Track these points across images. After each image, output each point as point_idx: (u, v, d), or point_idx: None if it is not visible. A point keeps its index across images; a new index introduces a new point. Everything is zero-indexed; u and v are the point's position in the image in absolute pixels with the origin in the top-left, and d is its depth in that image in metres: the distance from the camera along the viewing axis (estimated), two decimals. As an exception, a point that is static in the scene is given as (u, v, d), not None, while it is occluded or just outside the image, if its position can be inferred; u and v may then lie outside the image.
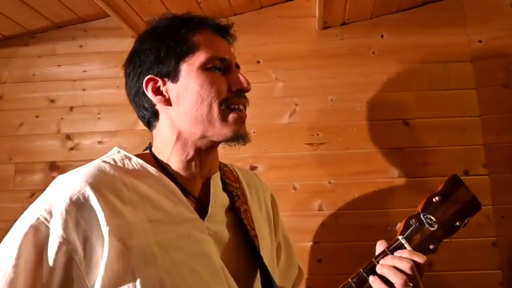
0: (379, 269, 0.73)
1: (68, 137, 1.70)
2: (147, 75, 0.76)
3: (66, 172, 0.70)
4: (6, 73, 1.80)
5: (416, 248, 0.75)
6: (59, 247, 0.60)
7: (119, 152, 0.77)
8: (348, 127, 1.56)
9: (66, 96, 1.74)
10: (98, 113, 1.69)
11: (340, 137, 1.55)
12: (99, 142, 1.67)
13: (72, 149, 1.68)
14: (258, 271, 0.80)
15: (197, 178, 0.79)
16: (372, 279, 0.73)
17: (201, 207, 0.77)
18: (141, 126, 0.91)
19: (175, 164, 0.77)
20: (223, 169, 0.89)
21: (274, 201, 0.99)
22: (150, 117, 0.80)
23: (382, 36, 1.62)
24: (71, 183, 0.66)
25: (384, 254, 0.75)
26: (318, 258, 1.48)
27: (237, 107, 0.76)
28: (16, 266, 0.59)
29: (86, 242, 0.62)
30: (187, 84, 0.74)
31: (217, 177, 0.83)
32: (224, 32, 0.82)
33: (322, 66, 1.61)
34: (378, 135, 1.54)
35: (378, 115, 1.55)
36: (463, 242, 1.39)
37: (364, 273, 0.74)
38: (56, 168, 1.67)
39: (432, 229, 0.77)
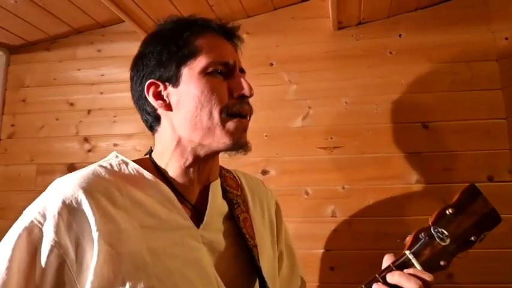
0: (375, 287, 0.69)
1: (86, 139, 1.74)
2: (149, 79, 0.75)
3: None
4: (29, 77, 1.87)
5: (425, 264, 0.70)
6: (51, 250, 0.60)
7: (116, 156, 0.76)
8: (363, 130, 1.50)
9: (85, 99, 1.78)
10: (114, 116, 1.72)
11: (355, 141, 1.50)
12: (115, 145, 1.70)
13: (89, 151, 1.72)
14: (257, 281, 0.77)
15: (195, 185, 0.77)
16: None
17: (198, 214, 0.75)
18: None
19: (173, 170, 0.75)
20: (225, 175, 0.87)
21: (279, 209, 0.96)
22: (152, 122, 0.79)
23: (400, 35, 1.55)
24: (65, 187, 0.66)
25: (388, 269, 0.71)
26: (330, 266, 1.44)
27: (238, 114, 0.72)
28: (9, 268, 0.59)
29: (78, 246, 0.62)
30: (188, 90, 0.72)
31: (217, 184, 0.81)
32: (230, 35, 0.80)
33: (337, 67, 1.57)
34: (395, 139, 1.48)
35: (395, 118, 1.49)
36: (485, 253, 1.31)
37: None
38: (74, 169, 1.68)
39: (444, 244, 0.72)
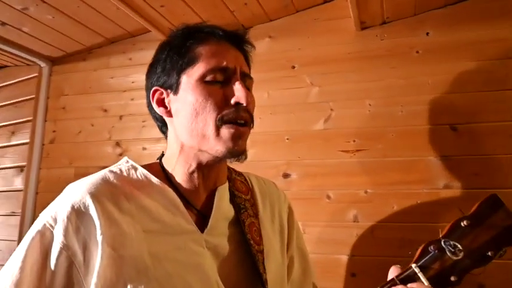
0: None
1: (118, 143, 1.83)
2: (155, 86, 0.78)
3: None
4: (68, 86, 2.00)
5: (433, 279, 0.66)
6: (61, 252, 0.64)
7: (127, 162, 0.79)
8: (387, 133, 1.45)
9: (117, 105, 1.88)
10: (143, 121, 1.80)
11: (378, 144, 1.46)
12: (144, 148, 1.78)
13: (120, 154, 1.81)
14: (261, 287, 0.77)
15: (200, 190, 0.78)
16: None
17: (203, 219, 0.76)
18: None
19: (179, 175, 0.77)
20: (235, 179, 0.87)
21: (292, 213, 0.95)
22: (162, 127, 0.82)
23: (427, 33, 1.48)
24: (75, 193, 0.69)
25: (391, 283, 0.67)
26: (352, 272, 1.41)
27: (234, 121, 0.71)
28: (22, 268, 0.64)
29: (85, 248, 0.65)
30: (185, 97, 0.73)
31: (224, 188, 0.81)
32: (236, 41, 0.79)
33: (360, 69, 1.53)
34: (421, 142, 1.41)
35: (421, 120, 1.43)
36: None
37: None
38: (107, 172, 1.81)
39: (456, 258, 0.67)
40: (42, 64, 2.03)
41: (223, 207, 0.79)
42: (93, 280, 0.62)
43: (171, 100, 0.76)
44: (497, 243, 0.67)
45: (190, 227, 0.72)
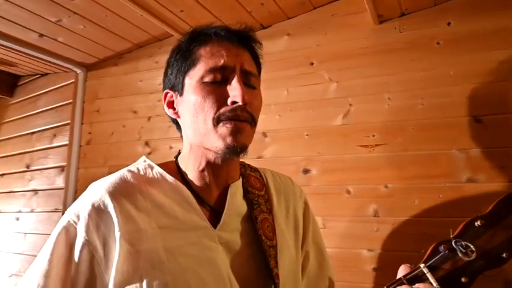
0: None
1: (147, 143, 1.93)
2: (166, 89, 0.82)
3: None
4: (102, 90, 2.13)
5: (442, 280, 0.64)
6: (83, 247, 0.68)
7: (145, 161, 0.82)
8: (407, 127, 1.44)
9: (146, 107, 1.98)
10: (169, 122, 1.86)
11: (398, 138, 1.44)
12: (170, 147, 1.86)
13: (149, 153, 1.91)
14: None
15: (212, 187, 0.79)
16: None
17: (216, 215, 0.78)
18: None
19: (191, 173, 0.79)
20: (249, 175, 0.88)
21: (307, 209, 0.95)
22: (177, 128, 0.86)
23: (448, 23, 1.44)
24: (95, 191, 0.73)
25: (398, 282, 0.66)
26: (373, 267, 1.41)
27: (232, 119, 0.72)
28: (50, 260, 0.69)
29: (105, 244, 0.69)
30: (188, 98, 0.75)
31: (237, 185, 0.83)
32: (238, 39, 0.78)
33: (379, 63, 1.52)
34: (443, 135, 1.38)
35: (443, 112, 1.39)
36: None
37: None
38: (138, 171, 1.91)
39: (468, 259, 0.64)
40: (78, 70, 2.18)
41: (235, 204, 0.80)
42: (112, 273, 0.66)
43: (178, 102, 0.79)
44: None
45: (203, 223, 0.74)
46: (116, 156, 1.98)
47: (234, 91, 0.72)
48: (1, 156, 2.59)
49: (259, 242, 0.78)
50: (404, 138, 1.43)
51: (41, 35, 1.83)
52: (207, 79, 0.74)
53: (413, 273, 0.66)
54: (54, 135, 2.27)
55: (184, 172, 0.80)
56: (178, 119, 0.81)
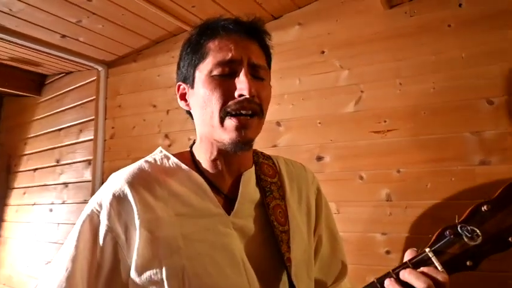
0: (387, 283, 0.66)
1: (166, 136, 2.01)
2: (178, 81, 0.84)
3: None
4: (123, 86, 2.22)
5: (447, 264, 0.65)
6: (106, 233, 0.73)
7: (161, 151, 0.86)
8: (418, 111, 1.44)
9: (164, 101, 2.05)
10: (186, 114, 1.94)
11: (409, 123, 1.45)
12: (189, 139, 1.93)
13: (169, 145, 1.99)
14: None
15: (225, 176, 0.82)
16: None
17: (230, 202, 0.80)
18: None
19: (204, 162, 0.82)
20: (262, 163, 0.90)
21: (320, 194, 0.96)
22: (191, 118, 0.85)
23: (460, 5, 1.43)
24: (116, 182, 0.77)
25: (403, 266, 0.67)
26: (386, 250, 1.44)
27: (238, 112, 0.74)
28: (77, 246, 0.74)
29: (127, 230, 0.73)
30: (198, 91, 0.77)
31: (250, 172, 0.85)
32: (246, 31, 0.79)
33: (389, 48, 1.52)
34: (455, 118, 1.38)
35: (454, 96, 1.39)
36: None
37: (378, 284, 0.68)
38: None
39: (474, 243, 0.65)
40: (99, 68, 2.27)
41: (248, 191, 0.82)
42: (133, 257, 0.71)
43: (190, 94, 0.81)
44: None
45: (218, 210, 0.77)
46: (138, 149, 2.08)
47: (241, 84, 0.73)
48: (33, 152, 2.75)
49: (271, 228, 0.80)
50: (416, 123, 1.44)
51: (63, 36, 1.93)
52: (215, 72, 0.75)
53: (419, 257, 0.67)
54: (81, 131, 2.39)
55: (199, 161, 0.83)
56: (190, 111, 0.84)
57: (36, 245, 2.55)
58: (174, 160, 0.83)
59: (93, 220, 0.75)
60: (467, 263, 0.65)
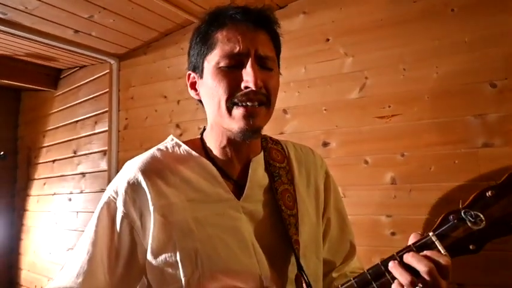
0: (390, 265, 0.67)
1: (177, 125, 2.08)
2: (189, 71, 0.86)
3: None
4: (134, 78, 2.29)
5: (450, 248, 0.66)
6: (123, 219, 0.77)
7: (172, 139, 0.88)
8: (422, 96, 1.47)
9: (174, 92, 2.11)
10: (197, 104, 1.99)
11: (413, 108, 1.48)
12: (199, 128, 1.99)
13: (180, 135, 2.05)
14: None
15: (234, 162, 0.84)
16: (391, 274, 0.67)
17: (239, 187, 0.82)
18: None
19: (214, 149, 0.84)
20: (270, 148, 0.91)
21: (328, 177, 0.97)
22: (202, 105, 0.86)
23: (463, -11, 1.44)
24: (130, 170, 0.80)
25: (407, 249, 0.68)
26: (391, 232, 1.48)
27: (245, 104, 0.75)
28: (96, 231, 0.79)
29: (142, 216, 0.77)
30: (207, 81, 0.78)
31: (259, 158, 0.86)
32: (255, 21, 0.78)
33: (393, 34, 1.54)
34: (458, 102, 1.40)
35: (457, 80, 1.41)
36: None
37: (382, 267, 0.68)
38: (171, 151, 2.07)
39: (477, 227, 0.66)
40: (112, 61, 2.34)
41: (257, 177, 0.84)
42: (149, 241, 0.75)
43: (199, 84, 0.83)
44: None
45: (228, 195, 0.80)
46: (151, 139, 2.15)
47: (247, 76, 0.74)
48: (51, 144, 2.86)
49: (279, 212, 0.82)
50: (419, 108, 1.47)
51: (76, 31, 2.00)
52: (222, 64, 0.76)
53: (422, 241, 0.67)
54: (96, 123, 2.47)
55: (209, 148, 0.85)
56: (200, 100, 0.85)
57: (57, 232, 2.67)
58: (185, 148, 0.85)
59: (110, 207, 0.79)
60: (470, 247, 0.66)
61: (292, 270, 0.80)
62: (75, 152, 2.61)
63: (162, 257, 0.75)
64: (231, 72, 0.76)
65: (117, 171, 0.84)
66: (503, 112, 1.34)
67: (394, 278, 0.66)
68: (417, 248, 0.67)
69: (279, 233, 0.81)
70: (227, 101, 0.75)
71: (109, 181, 2.25)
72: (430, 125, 1.44)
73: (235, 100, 0.75)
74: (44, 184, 2.88)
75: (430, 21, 1.47)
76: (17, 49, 2.26)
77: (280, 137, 0.91)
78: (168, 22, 2.02)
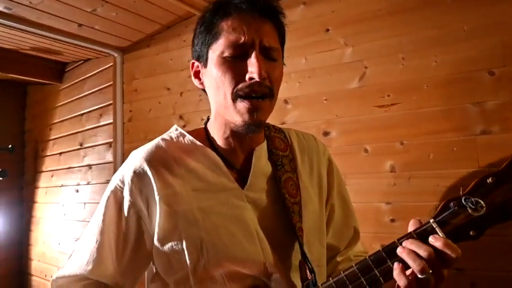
0: (399, 251, 0.67)
1: (181, 117, 2.11)
2: (192, 59, 0.85)
3: None
4: (138, 71, 2.32)
5: (450, 234, 0.66)
6: (130, 208, 0.79)
7: (176, 129, 0.89)
8: (421, 85, 1.48)
9: (177, 84, 2.14)
10: (200, 95, 2.03)
11: (412, 96, 1.50)
12: (202, 119, 2.01)
13: (184, 126, 2.09)
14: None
15: (238, 152, 0.84)
16: (393, 261, 0.68)
17: (243, 177, 0.83)
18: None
19: (218, 139, 0.84)
20: (273, 137, 0.91)
21: (331, 164, 0.97)
22: (206, 94, 0.86)
23: (462, -23, 1.44)
24: (135, 159, 0.82)
25: (407, 236, 0.68)
26: (391, 218, 1.51)
27: (249, 95, 0.74)
28: (104, 220, 0.81)
29: (148, 205, 0.78)
30: (211, 71, 0.78)
31: (262, 147, 0.87)
32: (260, 11, 0.78)
33: (392, 24, 1.55)
34: (456, 90, 1.42)
35: (456, 68, 1.42)
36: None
37: (383, 253, 0.69)
38: (175, 142, 2.11)
39: (477, 214, 0.66)
40: (115, 54, 2.37)
41: (260, 166, 0.85)
42: (155, 229, 0.77)
43: (203, 73, 0.82)
44: None
45: (232, 184, 0.80)
46: (155, 130, 2.18)
47: (252, 67, 0.73)
48: (58, 137, 2.91)
49: (283, 200, 0.83)
50: (418, 96, 1.49)
51: (80, 25, 2.03)
52: (227, 54, 0.75)
53: (423, 228, 0.68)
54: (101, 115, 2.51)
55: (213, 138, 0.85)
56: (204, 90, 0.85)
57: (65, 223, 2.73)
58: (189, 138, 0.86)
59: (117, 196, 0.81)
60: (471, 233, 0.67)
61: (296, 257, 0.81)
62: (81, 145, 2.66)
63: (168, 245, 0.76)
64: (235, 62, 0.76)
65: (123, 163, 0.86)
66: (501, 99, 1.35)
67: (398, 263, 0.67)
68: (418, 234, 0.67)
69: (283, 221, 0.82)
70: (232, 92, 0.75)
71: (115, 173, 2.29)
72: (429, 114, 1.46)
73: (240, 92, 0.74)
74: (52, 176, 2.94)
75: (429, 10, 1.48)
76: (22, 43, 2.30)
77: (282, 127, 0.92)
78: (170, 15, 2.04)
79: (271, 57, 0.77)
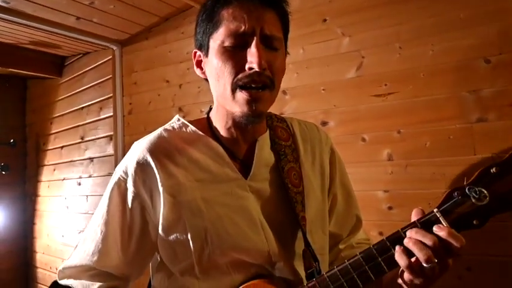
0: (405, 241, 0.67)
1: (180, 109, 2.12)
2: (195, 49, 0.84)
3: None
4: (137, 64, 2.32)
5: (454, 223, 0.66)
6: (133, 199, 0.79)
7: (178, 120, 0.89)
8: (417, 74, 1.49)
9: (176, 76, 2.15)
10: (199, 87, 2.05)
11: (409, 85, 1.51)
12: (201, 111, 2.04)
13: (183, 118, 2.09)
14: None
15: (240, 142, 0.84)
16: (397, 250, 0.67)
17: (246, 167, 0.83)
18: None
19: (220, 129, 0.84)
20: (276, 127, 0.91)
21: (334, 153, 0.97)
22: (207, 82, 0.85)
23: (458, -35, 1.44)
24: (138, 150, 0.82)
25: (411, 225, 0.68)
26: (388, 206, 1.53)
27: (248, 86, 0.74)
28: (108, 211, 0.82)
29: (152, 196, 0.79)
30: (212, 61, 0.77)
31: (265, 137, 0.87)
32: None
33: (389, 14, 1.55)
34: (453, 79, 1.43)
35: (452, 57, 1.43)
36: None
37: (387, 242, 0.69)
38: (175, 134, 2.12)
39: (480, 203, 0.66)
40: (114, 47, 2.38)
41: (263, 156, 0.85)
42: (160, 220, 0.78)
43: (205, 62, 0.82)
44: None
45: (235, 175, 0.81)
46: (155, 123, 2.18)
47: (252, 57, 0.72)
48: (59, 131, 2.93)
49: (286, 190, 0.83)
50: (415, 85, 1.50)
51: (78, 18, 2.03)
52: (227, 43, 0.74)
53: (427, 217, 0.68)
54: (101, 108, 2.53)
55: (215, 128, 0.85)
56: (207, 79, 0.84)
57: (68, 216, 2.77)
58: (192, 128, 0.86)
59: (120, 187, 0.81)
60: (474, 222, 0.67)
61: (299, 246, 0.82)
62: (82, 138, 2.68)
63: (173, 236, 0.77)
64: (235, 52, 0.74)
65: (124, 155, 0.87)
66: (497, 87, 1.36)
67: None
68: (422, 224, 0.67)
69: (286, 210, 0.83)
70: (232, 83, 0.74)
71: (116, 165, 2.31)
72: (425, 102, 1.47)
73: (240, 83, 0.74)
74: (54, 170, 2.96)
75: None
76: (21, 37, 2.30)
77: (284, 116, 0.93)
78: (168, 7, 2.04)
79: (272, 46, 0.76)
